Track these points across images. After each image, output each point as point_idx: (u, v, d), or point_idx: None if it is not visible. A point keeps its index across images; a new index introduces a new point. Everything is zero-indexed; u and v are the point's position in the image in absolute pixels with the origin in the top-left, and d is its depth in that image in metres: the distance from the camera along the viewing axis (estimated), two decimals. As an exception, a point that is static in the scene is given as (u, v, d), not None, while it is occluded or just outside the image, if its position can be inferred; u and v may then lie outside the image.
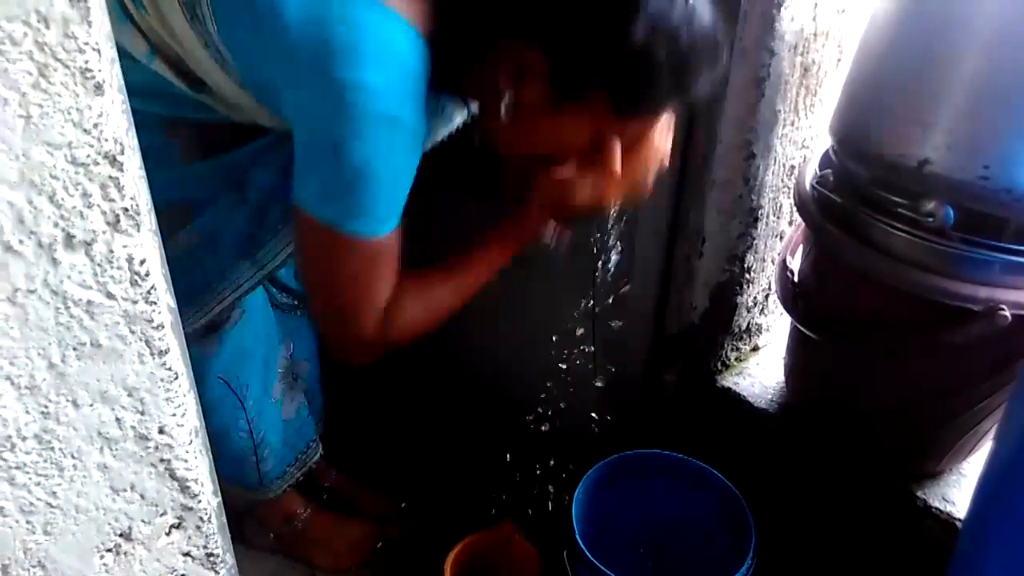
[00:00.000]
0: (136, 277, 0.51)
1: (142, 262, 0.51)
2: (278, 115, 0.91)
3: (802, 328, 1.21)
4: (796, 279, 1.22)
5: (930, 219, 0.97)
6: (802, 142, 1.27)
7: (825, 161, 1.14)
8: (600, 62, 0.80)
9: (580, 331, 1.49)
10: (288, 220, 1.00)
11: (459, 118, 1.00)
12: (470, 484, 1.52)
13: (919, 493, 1.21)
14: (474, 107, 0.95)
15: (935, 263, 0.99)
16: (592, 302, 1.44)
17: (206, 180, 1.03)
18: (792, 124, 1.23)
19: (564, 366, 1.57)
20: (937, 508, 1.19)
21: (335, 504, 1.50)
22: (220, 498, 0.69)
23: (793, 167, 1.29)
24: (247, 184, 1.03)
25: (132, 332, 0.52)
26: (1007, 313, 0.96)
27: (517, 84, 0.83)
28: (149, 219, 0.54)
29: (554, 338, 1.55)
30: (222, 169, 1.03)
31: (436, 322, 0.96)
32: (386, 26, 0.77)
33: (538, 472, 1.42)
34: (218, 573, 0.68)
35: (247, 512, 1.43)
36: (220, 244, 1.04)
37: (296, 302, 1.37)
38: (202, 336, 1.12)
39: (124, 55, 0.90)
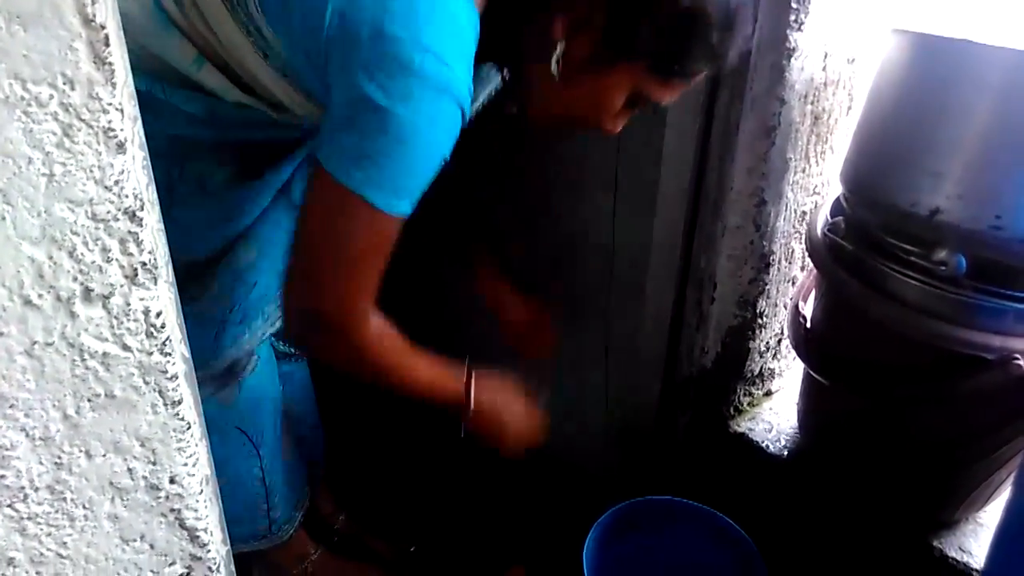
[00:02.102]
0: (152, 329, 0.52)
1: (158, 314, 0.52)
2: (319, 98, 0.90)
3: (815, 374, 1.20)
4: (808, 325, 1.22)
5: (942, 267, 0.97)
6: (813, 188, 1.28)
7: (836, 208, 1.14)
8: (653, 18, 0.83)
9: (592, 374, 1.49)
10: None
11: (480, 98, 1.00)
12: (480, 529, 1.51)
13: (935, 543, 1.19)
14: (508, 73, 0.96)
15: (948, 312, 0.98)
16: (604, 345, 1.44)
17: (257, 200, 1.03)
18: (803, 171, 1.23)
19: (576, 409, 1.57)
20: (954, 558, 1.17)
21: (345, 548, 1.49)
22: (229, 546, 0.69)
23: (805, 213, 1.30)
24: (292, 190, 1.04)
25: (146, 383, 0.53)
26: (1021, 362, 0.95)
27: (571, 37, 0.85)
28: (166, 271, 0.55)
29: (566, 381, 1.55)
30: (270, 186, 1.04)
31: (378, 370, 0.95)
32: None
33: (549, 517, 1.41)
34: (226, 622, 0.67)
35: (255, 555, 1.42)
36: (273, 254, 1.04)
37: (292, 349, 1.38)
38: (223, 387, 1.12)
39: (176, 77, 0.90)
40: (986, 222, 0.92)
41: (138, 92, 0.90)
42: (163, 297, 0.52)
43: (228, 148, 1.00)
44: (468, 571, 1.31)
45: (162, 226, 0.55)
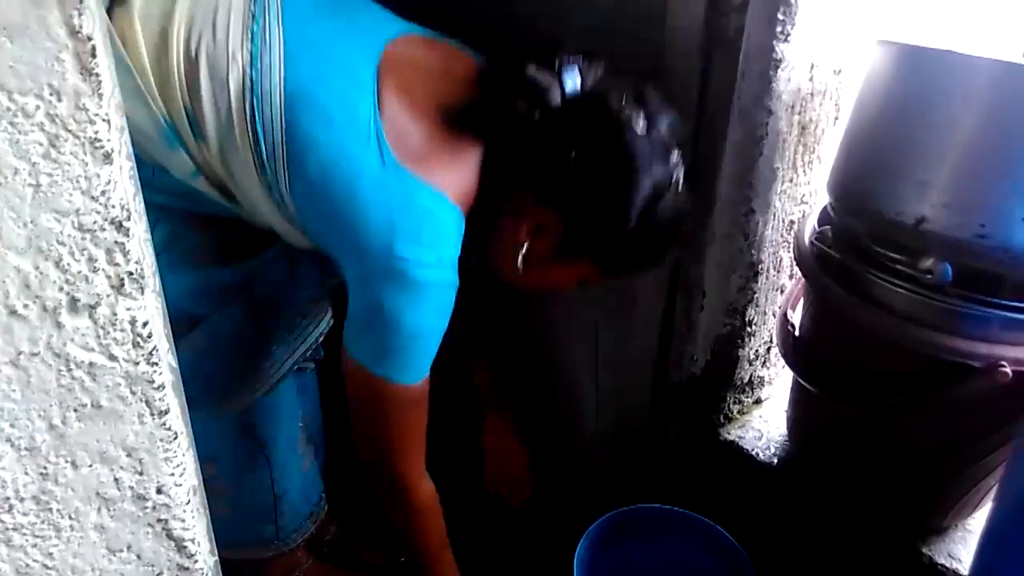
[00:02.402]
0: (139, 339, 0.52)
1: (145, 324, 0.52)
2: (317, 243, 0.99)
3: (803, 382, 1.21)
4: (797, 333, 1.23)
5: (928, 276, 0.98)
6: (801, 198, 1.29)
7: (824, 217, 1.15)
8: (603, 235, 0.99)
9: (583, 382, 1.49)
10: (293, 328, 1.11)
11: None
12: (470, 538, 1.51)
13: (925, 549, 1.20)
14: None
15: (934, 319, 0.99)
16: (595, 354, 1.44)
17: (214, 291, 1.07)
18: (791, 181, 1.24)
19: (567, 418, 1.57)
20: (943, 565, 1.17)
21: (335, 559, 1.48)
22: (217, 556, 0.69)
23: (793, 222, 1.30)
24: (253, 291, 1.09)
25: (133, 393, 0.53)
26: (1008, 370, 0.95)
27: (533, 239, 1.00)
28: (154, 282, 0.55)
29: (557, 388, 1.55)
30: (230, 279, 1.08)
31: (420, 538, 1.14)
32: (441, 211, 0.91)
33: (540, 524, 1.41)
34: (214, 633, 0.67)
35: (244, 566, 1.41)
36: (224, 350, 1.09)
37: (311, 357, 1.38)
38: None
39: (160, 167, 0.94)
40: (971, 230, 0.93)
41: None
42: (150, 307, 0.52)
43: (201, 219, 1.03)
44: None
45: (149, 236, 0.55)
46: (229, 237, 1.06)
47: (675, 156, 0.97)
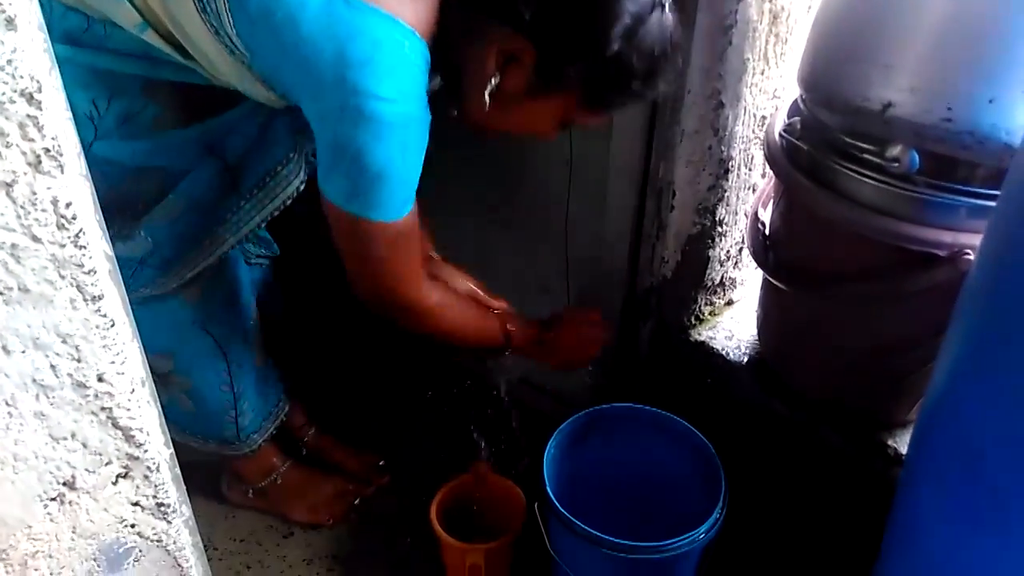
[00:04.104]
0: (63, 220, 0.50)
1: (68, 205, 0.50)
2: (278, 91, 0.94)
3: (773, 280, 1.21)
4: (767, 231, 1.22)
5: (895, 164, 0.96)
6: (773, 92, 1.26)
7: (794, 110, 1.13)
8: (580, 62, 0.91)
9: (554, 287, 1.49)
10: (263, 186, 1.07)
11: None
12: (446, 441, 1.53)
13: (890, 442, 1.22)
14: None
15: (900, 209, 0.98)
16: (566, 257, 1.43)
17: (182, 149, 1.04)
18: (762, 73, 1.21)
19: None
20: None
21: (314, 462, 1.50)
22: (172, 449, 0.69)
23: (764, 118, 1.28)
24: (224, 150, 1.06)
25: (62, 277, 0.52)
26: (972, 257, 0.95)
27: (504, 70, 0.93)
28: (78, 163, 0.53)
29: (528, 292, 1.54)
30: (198, 138, 1.05)
31: (441, 332, 1.10)
32: (396, 37, 0.84)
33: (513, 427, 1.42)
34: (171, 523, 0.68)
35: (224, 467, 1.43)
36: (200, 208, 1.07)
37: (266, 254, 1.36)
38: (184, 285, 1.12)
39: (110, 23, 0.90)
40: (938, 114, 0.91)
41: (75, 28, 0.88)
42: (74, 187, 0.50)
43: (161, 87, 1.00)
44: (434, 481, 1.32)
45: (70, 115, 0.53)
46: (192, 103, 1.02)
47: None
